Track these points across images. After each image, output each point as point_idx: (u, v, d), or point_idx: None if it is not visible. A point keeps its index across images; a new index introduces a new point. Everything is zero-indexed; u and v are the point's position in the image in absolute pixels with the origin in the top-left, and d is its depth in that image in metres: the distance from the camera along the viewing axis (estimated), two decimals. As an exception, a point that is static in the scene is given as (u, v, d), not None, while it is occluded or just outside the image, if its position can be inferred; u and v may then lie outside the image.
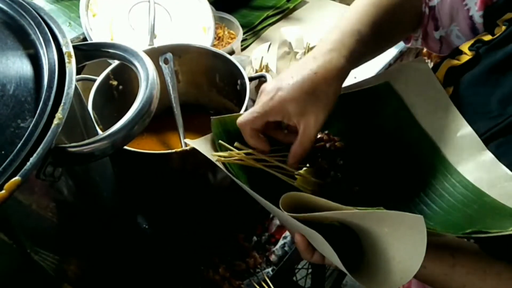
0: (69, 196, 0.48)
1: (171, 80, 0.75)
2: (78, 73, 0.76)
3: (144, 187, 0.75)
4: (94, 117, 0.66)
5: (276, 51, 0.96)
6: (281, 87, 0.52)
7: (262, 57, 0.88)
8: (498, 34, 0.59)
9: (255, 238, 0.79)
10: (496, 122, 0.57)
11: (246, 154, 0.56)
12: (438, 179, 0.60)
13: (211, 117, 0.57)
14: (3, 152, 0.36)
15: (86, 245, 0.56)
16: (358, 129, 0.65)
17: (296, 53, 0.90)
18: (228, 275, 0.73)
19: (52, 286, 0.53)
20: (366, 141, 0.64)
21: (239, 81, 0.75)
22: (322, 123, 0.53)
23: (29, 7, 0.45)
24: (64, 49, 0.43)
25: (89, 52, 0.50)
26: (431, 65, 0.68)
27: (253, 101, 0.87)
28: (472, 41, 0.62)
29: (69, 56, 0.42)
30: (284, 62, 0.93)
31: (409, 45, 0.75)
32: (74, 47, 0.44)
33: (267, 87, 0.53)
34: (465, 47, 0.63)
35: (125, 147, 0.57)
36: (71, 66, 0.42)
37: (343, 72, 0.54)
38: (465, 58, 0.62)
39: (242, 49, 1.10)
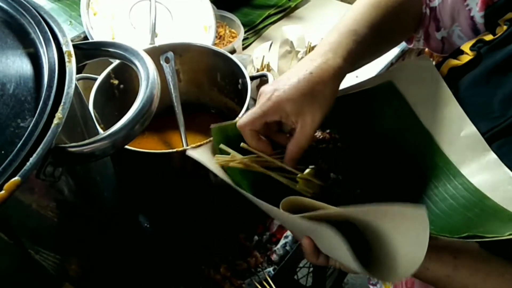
0: (69, 195, 0.47)
1: (172, 79, 0.75)
2: (78, 72, 0.76)
3: (145, 186, 0.75)
4: (95, 116, 0.66)
5: (278, 50, 0.96)
6: (278, 88, 0.53)
7: (264, 56, 0.88)
8: (499, 34, 0.59)
9: (256, 237, 0.79)
10: (497, 123, 0.57)
11: (248, 157, 0.56)
12: (440, 181, 0.59)
13: (211, 125, 0.57)
14: (2, 152, 0.36)
15: (87, 245, 0.56)
16: (360, 129, 0.64)
17: (298, 52, 0.90)
18: (229, 274, 0.72)
19: (53, 286, 0.53)
20: (368, 141, 0.63)
21: (240, 80, 0.74)
22: (319, 122, 0.53)
23: (29, 5, 0.45)
24: (64, 48, 0.42)
25: (90, 51, 0.50)
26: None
27: (254, 100, 0.86)
28: (473, 41, 0.62)
29: (69, 55, 0.42)
30: (285, 61, 0.93)
31: (411, 46, 0.75)
32: (74, 46, 0.44)
33: (265, 88, 0.54)
34: (466, 47, 0.63)
35: (126, 146, 0.57)
36: (71, 65, 0.42)
37: (340, 72, 0.54)
38: (466, 58, 0.62)
39: (244, 48, 1.10)
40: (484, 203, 0.54)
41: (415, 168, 0.61)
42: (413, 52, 1.17)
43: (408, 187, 0.60)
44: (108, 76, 0.73)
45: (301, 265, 1.33)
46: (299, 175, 0.56)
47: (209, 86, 0.84)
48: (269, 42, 0.98)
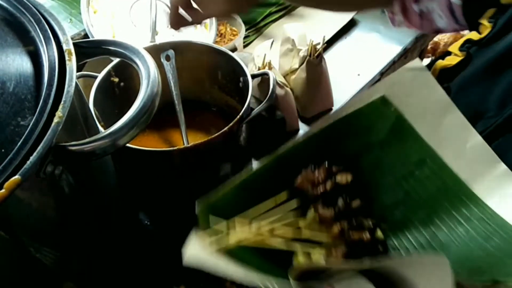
0: (70, 193, 0.47)
1: (172, 77, 0.75)
2: (79, 70, 0.76)
3: (146, 184, 0.74)
4: (95, 114, 0.66)
5: (279, 48, 0.96)
6: None
7: (265, 54, 0.87)
8: (486, 33, 0.59)
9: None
10: (492, 122, 0.57)
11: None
12: (452, 202, 0.55)
13: (196, 201, 0.55)
14: (3, 150, 0.36)
15: (87, 242, 0.56)
16: (359, 154, 0.61)
17: (299, 50, 0.90)
18: (229, 273, 0.72)
19: (53, 283, 0.53)
20: (371, 167, 0.60)
21: (241, 79, 0.74)
22: None
23: (29, 3, 0.45)
24: (65, 47, 0.42)
25: (90, 50, 0.50)
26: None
27: (255, 98, 0.86)
28: (461, 42, 0.62)
29: (70, 53, 0.42)
30: (287, 59, 0.93)
31: (396, 26, 0.74)
32: (75, 44, 0.44)
33: None
34: (454, 48, 0.63)
35: (127, 144, 0.57)
36: (72, 63, 0.41)
37: None
38: (455, 59, 0.62)
39: (245, 46, 1.09)
40: (504, 229, 0.51)
41: (423, 189, 0.57)
42: (415, 50, 1.17)
43: (419, 211, 0.57)
44: (108, 74, 0.73)
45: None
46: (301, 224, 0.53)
47: (210, 84, 0.83)
48: (271, 40, 0.97)
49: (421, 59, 1.26)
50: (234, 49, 1.00)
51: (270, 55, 0.89)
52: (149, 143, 0.79)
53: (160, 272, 0.73)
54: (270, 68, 0.86)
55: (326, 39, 0.98)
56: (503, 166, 0.53)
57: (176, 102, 0.74)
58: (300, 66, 0.90)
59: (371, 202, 0.57)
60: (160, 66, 0.63)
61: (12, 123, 0.37)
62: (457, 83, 0.61)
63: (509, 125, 0.56)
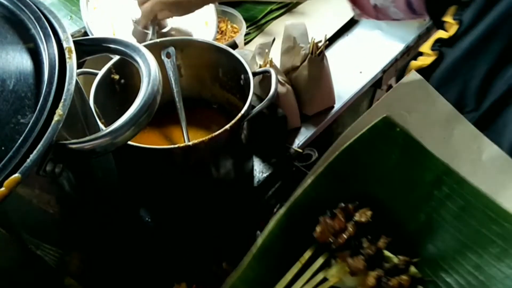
0: (70, 191, 0.47)
1: (173, 74, 0.75)
2: (79, 67, 0.75)
3: (147, 181, 0.74)
4: (95, 111, 0.65)
5: (280, 45, 0.95)
6: None
7: (266, 52, 0.87)
8: (454, 31, 0.58)
9: (258, 232, 0.78)
10: (473, 116, 0.56)
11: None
12: (479, 220, 0.51)
13: None
14: (2, 148, 0.36)
15: (88, 239, 0.56)
16: (373, 185, 0.57)
17: (301, 47, 0.89)
18: (231, 269, 0.72)
19: (54, 280, 0.53)
20: (386, 196, 0.57)
21: (242, 76, 0.74)
22: None
23: (28, 1, 0.44)
24: (65, 44, 0.42)
25: (90, 47, 0.49)
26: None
27: (256, 96, 0.86)
28: (431, 41, 0.62)
29: (70, 51, 0.41)
30: (288, 57, 0.92)
31: (356, 17, 0.76)
32: (75, 42, 0.44)
33: None
34: (425, 48, 0.62)
35: (128, 142, 0.57)
36: (72, 61, 0.41)
37: None
38: (428, 59, 0.61)
39: (246, 44, 1.09)
40: None
41: (446, 211, 0.54)
42: (418, 47, 1.16)
43: (447, 238, 0.53)
44: (108, 71, 0.73)
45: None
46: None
47: (211, 81, 0.83)
48: (272, 38, 0.97)
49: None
50: (235, 47, 1.00)
51: (271, 52, 0.89)
52: (150, 141, 0.79)
53: (161, 269, 0.73)
54: (271, 66, 0.86)
55: (328, 36, 0.98)
56: None
57: (177, 99, 0.74)
58: (301, 63, 0.89)
59: (393, 234, 0.54)
60: (160, 64, 0.63)
61: (12, 121, 0.37)
62: (434, 82, 0.60)
63: (489, 118, 0.55)
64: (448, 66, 0.59)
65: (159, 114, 0.75)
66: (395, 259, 0.52)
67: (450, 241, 0.53)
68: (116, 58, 0.74)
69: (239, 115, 0.64)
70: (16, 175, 0.34)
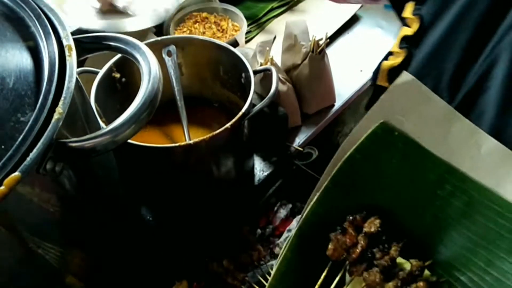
0: (71, 189, 0.47)
1: (174, 72, 0.75)
2: (80, 65, 0.75)
3: (148, 180, 0.74)
4: (96, 110, 0.65)
5: (281, 43, 0.95)
6: None
7: (267, 50, 0.87)
8: (417, 26, 0.59)
9: (259, 230, 0.79)
10: None
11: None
12: (485, 215, 0.51)
13: None
14: (2, 146, 0.36)
15: (89, 238, 0.56)
16: (378, 193, 0.57)
17: (302, 45, 0.89)
18: (232, 267, 0.72)
19: (56, 278, 0.53)
20: (391, 201, 0.57)
21: (243, 74, 0.74)
22: None
23: (28, -2, 0.44)
24: (65, 42, 0.42)
25: (90, 45, 0.49)
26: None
27: (257, 94, 0.86)
28: (398, 40, 0.62)
29: (70, 49, 0.41)
30: (289, 55, 0.92)
31: None
32: (75, 39, 0.44)
33: None
34: (394, 47, 0.63)
35: (128, 140, 0.56)
36: (72, 59, 0.41)
37: None
38: (398, 57, 0.62)
39: (247, 42, 1.09)
40: None
41: (451, 209, 0.54)
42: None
43: (455, 236, 0.53)
44: (109, 70, 0.73)
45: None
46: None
47: (212, 79, 0.83)
48: (273, 36, 0.97)
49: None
50: (236, 45, 1.00)
51: (272, 50, 0.89)
52: (150, 139, 0.79)
53: (162, 267, 0.73)
54: (272, 64, 0.86)
55: (329, 34, 0.97)
56: None
57: (177, 98, 0.74)
58: (302, 61, 0.89)
59: (406, 240, 0.54)
60: (161, 62, 0.63)
61: (12, 119, 0.37)
62: None
63: (465, 109, 0.55)
64: (419, 62, 0.60)
65: (160, 112, 0.75)
66: (408, 265, 0.52)
67: (459, 239, 0.53)
68: (117, 56, 0.74)
69: (240, 113, 0.64)
70: (16, 173, 0.34)
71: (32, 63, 0.41)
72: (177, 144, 0.62)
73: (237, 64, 0.74)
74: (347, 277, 0.54)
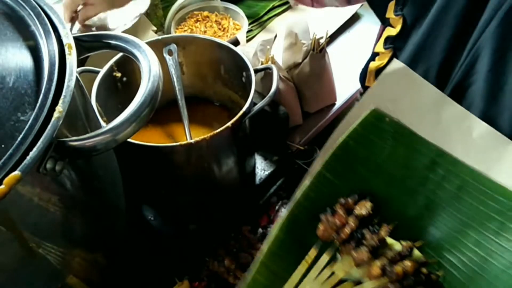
0: (72, 189, 0.47)
1: (175, 71, 0.74)
2: (81, 64, 0.75)
3: (149, 179, 0.74)
4: (97, 109, 0.65)
5: (282, 42, 0.95)
6: None
7: (268, 49, 0.87)
8: (400, 26, 0.60)
9: (260, 230, 0.78)
10: None
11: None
12: (477, 198, 0.52)
13: None
14: (2, 146, 0.36)
15: (90, 238, 0.56)
16: (371, 178, 0.58)
17: (303, 44, 0.89)
18: (233, 267, 0.72)
19: (57, 278, 0.53)
20: (384, 186, 0.58)
21: (244, 73, 0.74)
22: None
23: (28, -3, 0.44)
24: (65, 41, 0.42)
25: (90, 44, 0.49)
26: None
27: (258, 93, 0.86)
28: (382, 40, 0.63)
29: (70, 47, 0.41)
30: (290, 54, 0.92)
31: (293, 5, 0.77)
32: (75, 38, 0.43)
33: None
34: (379, 48, 0.64)
35: (130, 139, 0.56)
36: (72, 58, 0.41)
37: None
38: (384, 57, 0.63)
39: (248, 41, 1.09)
40: None
41: (444, 193, 0.55)
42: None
43: (448, 219, 0.54)
44: (110, 69, 0.73)
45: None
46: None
47: (213, 78, 0.83)
48: (274, 35, 0.97)
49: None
50: (237, 44, 1.00)
51: (273, 49, 0.88)
52: (152, 138, 0.79)
53: (164, 266, 0.73)
54: (273, 63, 0.86)
55: (330, 33, 0.97)
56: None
57: (179, 97, 0.74)
58: (303, 60, 0.89)
59: (395, 221, 0.55)
60: (162, 61, 0.62)
61: (12, 118, 0.37)
62: None
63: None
64: (405, 61, 0.60)
65: (162, 111, 0.75)
66: (398, 246, 0.53)
67: (450, 221, 0.54)
68: (118, 55, 0.74)
69: (241, 112, 0.64)
70: (16, 172, 0.34)
71: (32, 62, 0.40)
72: (178, 143, 0.61)
73: (238, 63, 0.74)
74: (338, 257, 0.55)
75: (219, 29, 1.05)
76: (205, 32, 1.05)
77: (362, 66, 1.00)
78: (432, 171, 0.55)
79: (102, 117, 0.66)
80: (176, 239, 0.77)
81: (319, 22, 1.10)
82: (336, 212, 0.54)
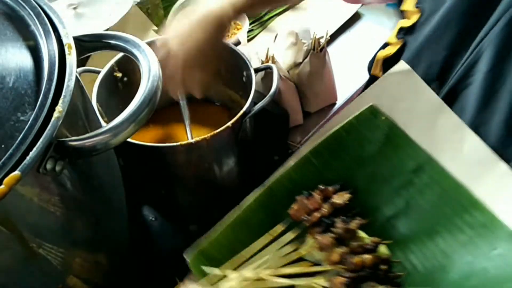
0: (72, 189, 0.47)
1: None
2: (81, 64, 0.75)
3: (150, 179, 0.74)
4: (98, 109, 0.65)
5: (283, 42, 0.95)
6: None
7: (268, 48, 0.87)
8: (416, 18, 0.61)
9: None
10: None
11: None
12: (454, 209, 0.54)
13: (185, 255, 0.56)
14: (2, 146, 0.36)
15: (90, 238, 0.56)
16: (355, 170, 0.60)
17: (303, 43, 0.89)
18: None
19: (57, 278, 0.53)
20: (367, 181, 0.59)
21: (245, 73, 0.74)
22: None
23: (28, -4, 0.44)
24: (65, 41, 0.42)
25: (90, 43, 0.49)
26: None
27: (259, 92, 0.86)
28: (396, 31, 0.64)
29: (70, 47, 0.41)
30: (290, 53, 0.92)
31: None
32: (75, 38, 0.43)
33: None
34: (391, 38, 0.65)
35: (130, 139, 0.56)
36: (72, 57, 0.41)
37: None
38: (394, 47, 0.64)
39: (249, 40, 1.09)
40: (508, 237, 0.50)
41: (424, 199, 0.56)
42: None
43: (423, 224, 0.56)
44: (111, 69, 0.73)
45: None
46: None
47: (214, 78, 0.83)
48: (274, 34, 0.97)
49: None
50: (237, 43, 0.99)
51: (273, 49, 0.88)
52: (152, 138, 0.79)
53: (165, 267, 0.73)
54: (273, 62, 0.86)
55: (330, 32, 0.97)
56: (503, 166, 0.52)
57: (180, 96, 0.74)
58: (303, 60, 0.89)
59: (372, 217, 0.56)
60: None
61: (12, 118, 0.37)
62: None
63: (447, 103, 0.57)
64: (412, 53, 0.61)
65: (162, 111, 0.75)
66: (367, 240, 0.54)
67: (424, 226, 0.55)
68: (118, 55, 0.74)
69: (241, 112, 0.64)
70: (16, 172, 0.34)
71: (32, 62, 0.40)
72: (178, 143, 0.62)
73: (239, 63, 0.74)
74: (307, 239, 0.56)
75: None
76: (205, 32, 1.05)
77: (362, 66, 1.00)
78: (417, 176, 0.57)
79: (103, 117, 0.66)
80: (177, 239, 0.76)
81: (320, 21, 1.10)
82: (312, 196, 0.56)
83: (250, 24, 1.09)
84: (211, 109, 0.85)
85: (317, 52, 0.87)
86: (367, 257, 0.51)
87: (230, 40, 0.98)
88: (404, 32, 0.64)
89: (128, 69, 0.74)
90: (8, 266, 0.44)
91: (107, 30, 0.87)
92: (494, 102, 0.53)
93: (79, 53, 0.43)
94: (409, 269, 0.54)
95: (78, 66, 0.43)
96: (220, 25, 0.58)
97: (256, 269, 0.53)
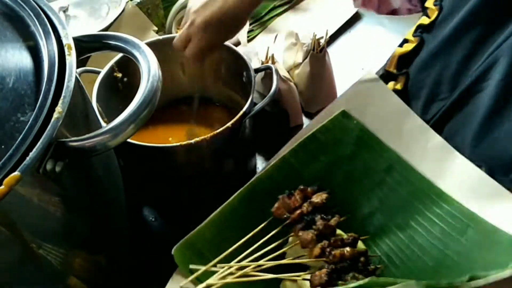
0: (72, 189, 0.47)
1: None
2: (81, 65, 0.75)
3: (150, 180, 0.74)
4: (98, 110, 0.65)
5: (283, 42, 0.95)
6: None
7: (268, 48, 0.87)
8: (435, 16, 0.62)
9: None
10: (443, 104, 0.60)
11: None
12: (424, 203, 0.58)
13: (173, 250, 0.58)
14: (2, 146, 0.36)
15: (91, 238, 0.56)
16: (331, 171, 0.63)
17: (303, 44, 0.89)
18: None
19: (58, 279, 0.53)
20: (343, 181, 0.63)
21: (245, 73, 0.74)
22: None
23: (28, -3, 0.44)
24: (64, 41, 0.42)
25: (90, 44, 0.49)
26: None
27: (259, 93, 0.86)
28: (414, 28, 0.65)
29: (69, 48, 0.41)
30: (290, 53, 0.92)
31: (355, 6, 0.79)
32: (75, 39, 0.43)
33: None
34: (409, 35, 0.66)
35: (130, 140, 0.56)
36: (71, 58, 0.41)
37: None
38: (411, 45, 0.65)
39: (249, 41, 1.09)
40: (474, 221, 0.54)
41: (397, 194, 0.60)
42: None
43: (395, 215, 0.59)
44: (111, 69, 0.73)
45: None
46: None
47: (214, 79, 0.83)
48: (275, 34, 0.97)
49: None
50: (237, 44, 0.99)
51: (273, 49, 0.88)
52: (152, 138, 0.79)
53: (165, 267, 0.73)
54: (273, 63, 0.86)
55: (330, 33, 0.97)
56: (459, 159, 0.57)
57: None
58: (303, 60, 0.89)
59: (350, 215, 0.59)
60: (165, 61, 0.62)
61: (12, 118, 0.37)
62: (415, 67, 0.64)
63: (457, 107, 0.59)
64: (429, 51, 0.62)
65: (162, 112, 0.75)
66: (345, 236, 0.57)
67: (397, 221, 0.59)
68: (118, 56, 0.74)
69: (241, 112, 0.64)
70: (16, 173, 0.34)
71: (32, 63, 0.41)
72: (178, 144, 0.62)
73: (239, 63, 0.74)
74: (290, 239, 0.59)
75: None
76: (206, 32, 1.05)
77: (363, 66, 1.00)
78: (389, 175, 0.61)
79: (103, 118, 0.66)
80: (177, 239, 0.76)
81: (320, 21, 1.10)
82: (293, 195, 0.58)
83: (250, 24, 1.09)
84: (210, 109, 0.85)
85: (317, 52, 0.87)
86: (347, 249, 0.54)
87: (230, 41, 0.98)
88: (421, 30, 0.64)
89: (128, 69, 0.74)
90: (8, 266, 0.44)
91: (101, 31, 0.87)
92: (504, 110, 0.53)
93: (79, 53, 0.43)
94: (385, 262, 0.57)
95: (78, 67, 0.43)
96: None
97: (240, 264, 0.55)
